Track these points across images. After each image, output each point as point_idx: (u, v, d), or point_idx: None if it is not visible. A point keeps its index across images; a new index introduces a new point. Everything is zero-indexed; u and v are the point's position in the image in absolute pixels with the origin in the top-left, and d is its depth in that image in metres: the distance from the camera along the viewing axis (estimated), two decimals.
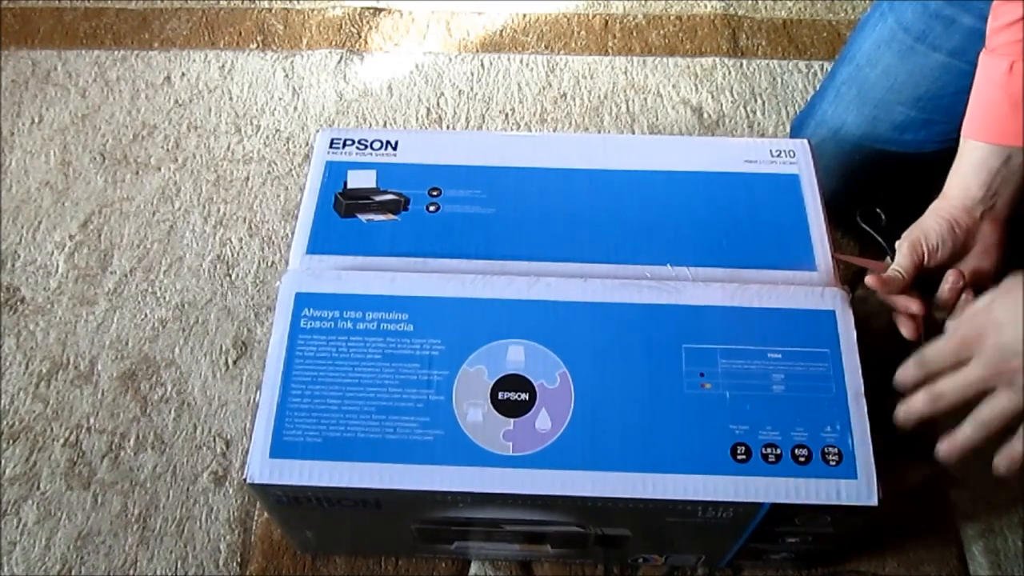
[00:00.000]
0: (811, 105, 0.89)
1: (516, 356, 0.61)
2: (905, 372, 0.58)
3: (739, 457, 0.58)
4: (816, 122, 0.87)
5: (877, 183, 0.82)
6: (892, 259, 0.64)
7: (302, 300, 0.64)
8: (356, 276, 0.65)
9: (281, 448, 0.59)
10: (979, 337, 0.52)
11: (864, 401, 0.59)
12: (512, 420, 0.59)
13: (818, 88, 0.90)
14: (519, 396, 0.60)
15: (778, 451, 0.58)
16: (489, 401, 0.60)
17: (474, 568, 0.77)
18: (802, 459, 0.58)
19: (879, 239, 0.67)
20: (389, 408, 0.60)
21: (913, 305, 0.61)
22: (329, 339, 0.62)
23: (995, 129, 0.61)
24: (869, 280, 0.61)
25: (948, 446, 0.57)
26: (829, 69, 0.90)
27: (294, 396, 0.60)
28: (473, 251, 0.67)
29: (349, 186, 0.71)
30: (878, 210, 0.68)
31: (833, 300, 0.63)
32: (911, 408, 0.58)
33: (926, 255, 0.62)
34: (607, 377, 0.61)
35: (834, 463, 0.57)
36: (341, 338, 0.62)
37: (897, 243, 0.65)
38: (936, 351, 0.56)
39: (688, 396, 0.60)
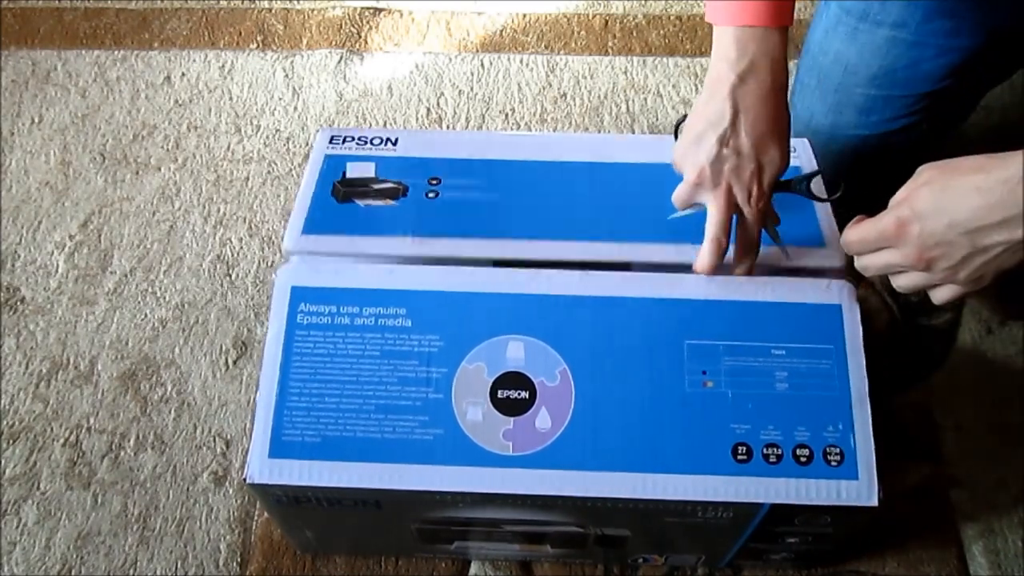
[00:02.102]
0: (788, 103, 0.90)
1: (516, 353, 0.60)
2: (858, 230, 0.56)
3: (740, 457, 0.58)
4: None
5: (853, 170, 0.82)
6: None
7: (298, 294, 0.63)
8: (353, 269, 0.64)
9: (280, 448, 0.59)
10: (902, 226, 0.51)
11: (868, 401, 0.59)
12: (512, 419, 0.59)
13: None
14: (519, 394, 0.59)
15: (779, 451, 0.58)
16: (489, 400, 0.59)
17: (474, 568, 0.77)
18: (803, 459, 0.57)
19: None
20: (388, 407, 0.59)
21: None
22: (327, 335, 0.61)
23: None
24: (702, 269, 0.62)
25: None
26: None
27: (292, 394, 0.60)
28: (472, 231, 0.66)
29: (348, 176, 0.70)
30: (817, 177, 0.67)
31: (840, 293, 0.62)
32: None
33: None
34: (608, 374, 0.60)
35: (835, 463, 0.57)
36: (339, 334, 0.61)
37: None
38: (859, 238, 0.54)
39: (689, 394, 0.59)
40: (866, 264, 0.56)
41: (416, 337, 0.61)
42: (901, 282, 0.55)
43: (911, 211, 0.51)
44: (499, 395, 0.60)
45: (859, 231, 0.55)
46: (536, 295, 0.62)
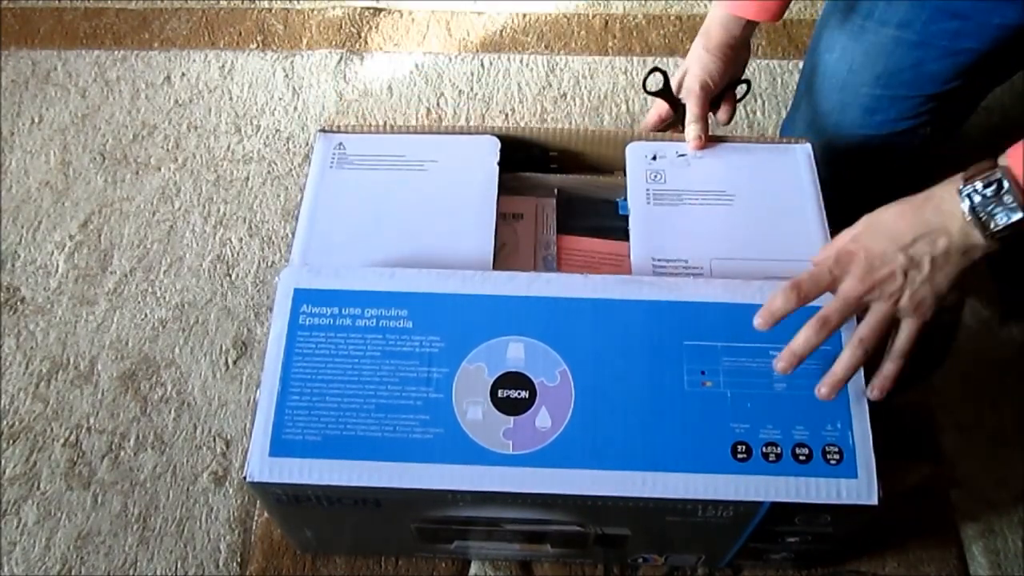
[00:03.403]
0: (793, 103, 0.90)
1: (516, 353, 0.61)
2: (774, 303, 0.56)
3: (739, 456, 0.58)
4: (795, 116, 0.87)
5: (856, 171, 0.82)
6: (681, 111, 0.77)
7: (301, 296, 0.63)
8: (355, 272, 0.65)
9: (281, 446, 0.59)
10: (849, 255, 0.56)
11: (865, 399, 0.59)
12: (512, 418, 0.59)
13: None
14: (519, 394, 0.60)
15: (778, 450, 0.58)
16: (489, 399, 0.60)
17: (474, 568, 0.77)
18: (802, 458, 0.58)
19: (668, 100, 0.78)
20: (388, 406, 0.60)
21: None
22: (328, 336, 0.62)
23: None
24: (695, 144, 0.73)
25: (879, 384, 0.59)
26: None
27: (293, 394, 0.60)
28: None
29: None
30: (659, 71, 0.77)
31: None
32: (804, 342, 0.56)
33: (711, 92, 0.75)
34: (608, 375, 0.60)
35: (834, 462, 0.57)
36: (340, 335, 0.62)
37: (683, 94, 0.77)
38: (811, 277, 0.56)
39: (689, 394, 0.60)
40: (827, 315, 0.56)
41: (417, 338, 0.62)
42: (863, 332, 0.57)
43: (852, 240, 0.56)
44: (499, 395, 0.60)
45: (803, 279, 0.56)
46: (536, 297, 0.63)
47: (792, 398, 0.59)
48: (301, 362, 0.61)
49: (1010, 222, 0.52)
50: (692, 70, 0.76)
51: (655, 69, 0.77)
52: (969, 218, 0.52)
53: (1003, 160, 0.53)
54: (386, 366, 0.61)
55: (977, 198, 0.52)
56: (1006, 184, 0.51)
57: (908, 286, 0.55)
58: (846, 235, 0.58)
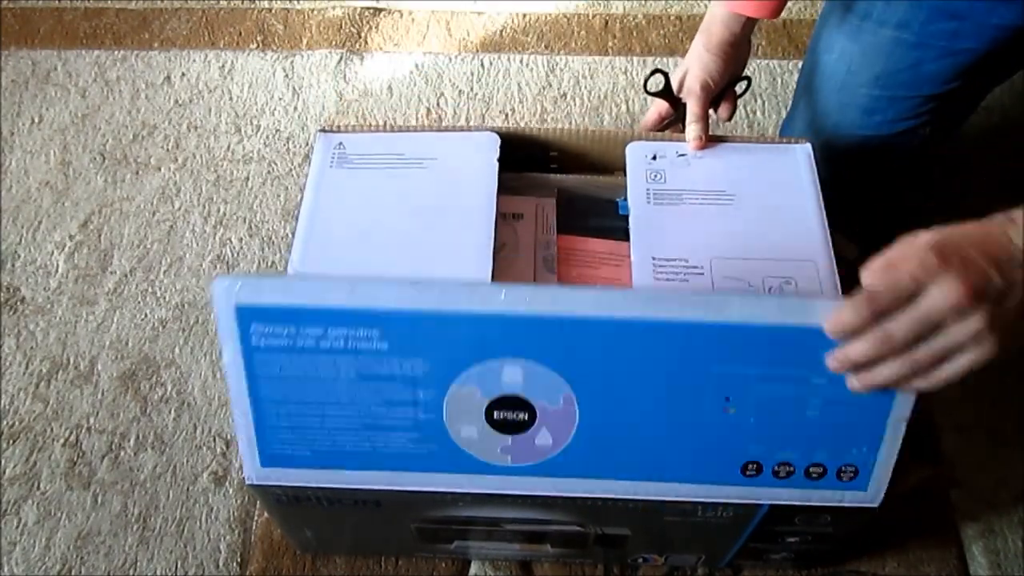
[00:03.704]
0: (792, 103, 0.90)
1: (513, 377, 0.53)
2: (842, 316, 0.47)
3: (748, 473, 0.55)
4: (794, 116, 0.87)
5: (855, 171, 0.82)
6: (681, 110, 0.77)
7: (246, 314, 0.52)
8: (307, 285, 0.53)
9: (271, 460, 0.57)
10: (944, 258, 0.44)
11: (903, 428, 0.53)
12: (510, 437, 0.55)
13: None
14: (517, 416, 0.54)
15: (791, 468, 0.55)
16: (484, 420, 0.54)
17: (474, 568, 0.77)
18: (815, 475, 0.55)
19: (668, 100, 0.79)
20: (376, 425, 0.55)
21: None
22: (291, 358, 0.53)
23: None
24: (695, 144, 0.73)
25: (875, 382, 0.49)
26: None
27: (270, 415, 0.55)
28: None
29: None
30: (661, 72, 0.77)
31: None
32: (861, 353, 0.47)
33: (712, 91, 0.76)
34: (617, 402, 0.54)
35: (847, 478, 0.55)
36: (305, 357, 0.53)
37: (683, 94, 0.77)
38: (890, 285, 0.45)
39: (707, 421, 0.54)
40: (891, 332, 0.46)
41: (396, 360, 0.53)
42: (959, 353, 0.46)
43: (943, 240, 0.45)
44: (495, 416, 0.54)
45: (876, 290, 0.45)
46: (536, 316, 0.52)
47: (823, 424, 0.53)
48: (269, 386, 0.54)
49: None
50: (693, 70, 0.76)
51: (656, 71, 0.77)
52: None
53: None
54: (365, 389, 0.54)
55: None
56: None
57: (998, 310, 0.45)
58: (927, 236, 0.46)
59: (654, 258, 0.67)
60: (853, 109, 0.79)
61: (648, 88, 0.78)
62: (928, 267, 0.44)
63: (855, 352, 0.48)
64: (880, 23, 0.74)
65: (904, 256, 0.45)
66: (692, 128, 0.74)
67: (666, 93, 0.78)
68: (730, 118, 0.81)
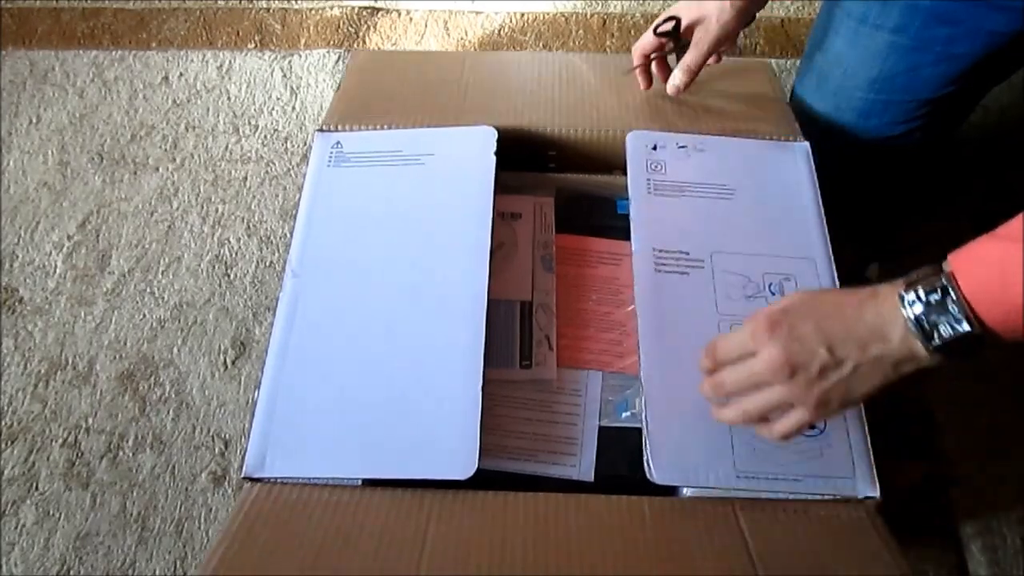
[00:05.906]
0: (791, 103, 0.90)
1: None
2: (701, 362, 0.55)
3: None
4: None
5: (851, 173, 0.82)
6: (681, 52, 0.75)
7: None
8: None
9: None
10: (773, 324, 0.50)
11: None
12: None
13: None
14: None
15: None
16: None
17: None
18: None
19: (672, 40, 0.77)
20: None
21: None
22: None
23: None
24: (672, 92, 0.75)
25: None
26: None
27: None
28: None
29: None
30: (675, 19, 0.75)
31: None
32: (708, 389, 0.54)
33: (717, 49, 0.74)
34: None
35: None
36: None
37: (694, 39, 0.74)
38: (729, 341, 0.53)
39: None
40: (722, 380, 0.53)
41: None
42: (753, 404, 0.52)
43: (782, 311, 0.51)
44: None
45: (724, 340, 0.53)
46: None
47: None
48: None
49: (955, 335, 0.46)
50: (710, 25, 0.73)
51: (671, 18, 0.75)
52: (912, 327, 0.47)
53: (947, 265, 0.47)
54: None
55: (919, 307, 0.46)
56: (951, 292, 0.46)
57: (819, 383, 0.49)
58: (778, 305, 0.52)
59: (655, 249, 0.67)
60: (849, 112, 0.79)
61: (657, 31, 0.76)
62: (757, 335, 0.50)
63: (702, 389, 0.55)
64: (877, 27, 0.74)
65: (755, 319, 0.52)
66: (679, 75, 0.74)
67: (673, 35, 0.76)
68: (719, 59, 0.79)
